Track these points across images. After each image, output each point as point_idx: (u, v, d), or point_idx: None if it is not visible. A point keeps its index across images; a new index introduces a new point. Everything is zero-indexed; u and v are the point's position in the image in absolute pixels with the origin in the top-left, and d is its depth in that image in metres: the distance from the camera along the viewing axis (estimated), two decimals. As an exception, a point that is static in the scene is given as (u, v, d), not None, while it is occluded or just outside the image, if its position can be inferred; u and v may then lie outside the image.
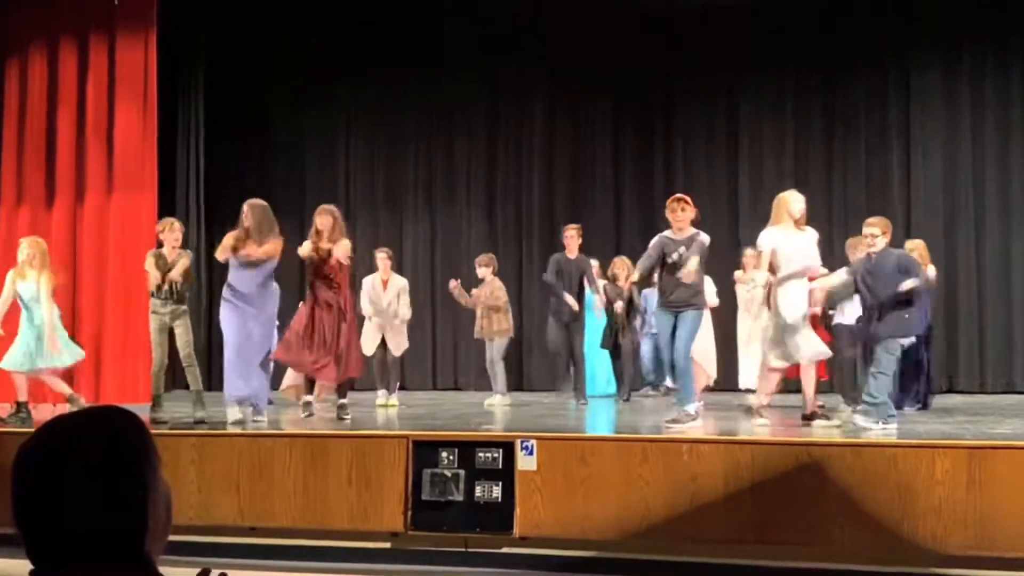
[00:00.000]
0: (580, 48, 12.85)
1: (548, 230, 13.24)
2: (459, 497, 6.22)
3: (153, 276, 8.14)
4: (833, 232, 11.46)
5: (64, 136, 11.17)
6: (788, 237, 7.60)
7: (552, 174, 13.49)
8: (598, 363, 11.08)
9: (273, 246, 7.83)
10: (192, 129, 13.36)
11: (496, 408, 9.68)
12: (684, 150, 13.11)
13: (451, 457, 6.32)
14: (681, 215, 7.56)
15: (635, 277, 8.35)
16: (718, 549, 5.89)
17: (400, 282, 10.41)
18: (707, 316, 9.76)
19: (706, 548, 5.91)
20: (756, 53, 12.56)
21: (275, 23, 13.30)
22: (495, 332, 10.28)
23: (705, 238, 7.55)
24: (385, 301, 10.20)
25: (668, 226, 7.73)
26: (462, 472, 6.26)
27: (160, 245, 8.42)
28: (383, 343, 10.23)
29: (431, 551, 6.27)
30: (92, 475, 1.55)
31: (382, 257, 10.38)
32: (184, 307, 8.25)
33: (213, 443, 6.82)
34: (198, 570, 1.86)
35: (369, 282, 10.32)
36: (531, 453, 6.22)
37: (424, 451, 6.39)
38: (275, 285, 8.11)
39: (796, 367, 7.76)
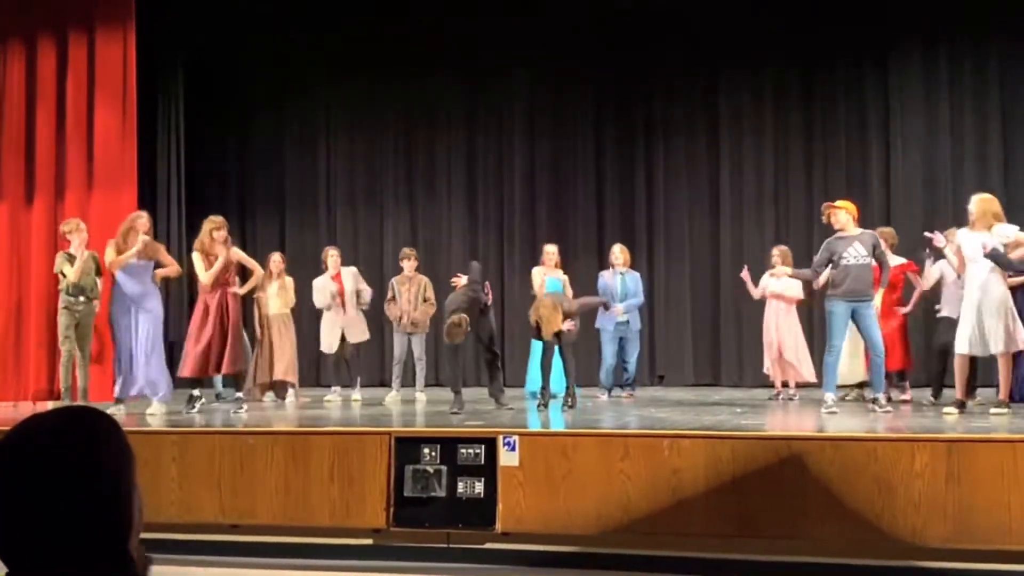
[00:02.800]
0: (561, 43, 12.86)
1: (530, 224, 13.27)
2: (441, 493, 6.23)
3: (68, 276, 8.85)
4: (813, 226, 11.54)
5: (43, 133, 11.10)
6: (970, 236, 8.03)
7: (534, 169, 13.50)
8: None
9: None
10: (172, 125, 13.31)
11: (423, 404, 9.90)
12: (665, 144, 13.14)
13: (433, 453, 6.32)
14: (835, 220, 8.31)
15: (819, 282, 8.92)
16: (699, 543, 5.91)
17: (351, 271, 10.77)
18: (795, 314, 10.01)
19: (687, 542, 5.93)
20: (736, 48, 12.60)
21: (254, 18, 13.25)
22: (421, 327, 10.47)
23: (871, 234, 8.36)
24: (348, 293, 10.52)
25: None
26: (444, 468, 6.26)
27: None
28: (342, 339, 10.49)
29: (413, 547, 6.27)
30: (75, 475, 1.54)
31: (333, 255, 10.74)
32: (92, 306, 8.97)
33: (194, 440, 6.80)
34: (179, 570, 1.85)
35: (320, 282, 10.65)
36: (513, 449, 6.23)
37: (406, 447, 6.39)
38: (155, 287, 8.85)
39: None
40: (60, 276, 8.95)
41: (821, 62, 12.62)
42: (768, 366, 10.29)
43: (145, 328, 8.60)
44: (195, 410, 8.53)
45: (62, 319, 8.78)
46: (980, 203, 8.01)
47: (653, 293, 12.75)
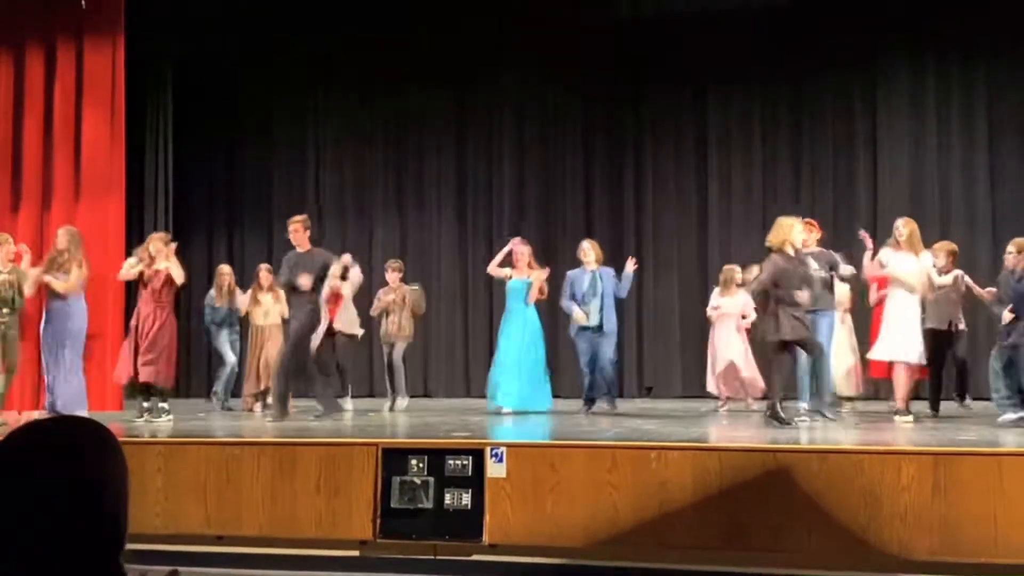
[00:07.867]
0: (549, 55, 12.88)
1: (518, 235, 13.24)
2: (428, 505, 6.21)
3: None
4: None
5: (31, 142, 11.06)
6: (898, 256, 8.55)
7: (523, 180, 13.51)
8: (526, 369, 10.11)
9: (73, 282, 9.01)
10: (160, 134, 13.29)
11: (402, 411, 10.04)
12: (654, 158, 13.16)
13: (421, 464, 6.30)
14: (808, 236, 8.62)
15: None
16: (686, 555, 5.91)
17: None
18: (743, 330, 10.24)
19: (674, 555, 5.93)
20: (723, 61, 12.64)
21: (244, 27, 13.24)
22: (401, 336, 10.51)
23: (833, 254, 8.82)
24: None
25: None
26: (432, 479, 6.24)
27: None
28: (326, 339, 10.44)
29: (400, 559, 6.25)
30: (79, 488, 1.53)
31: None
32: (16, 318, 9.05)
33: (180, 451, 6.77)
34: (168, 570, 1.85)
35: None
36: (501, 460, 6.21)
37: (393, 459, 6.37)
38: (82, 303, 9.18)
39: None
40: None
41: (808, 74, 12.67)
42: (711, 381, 10.38)
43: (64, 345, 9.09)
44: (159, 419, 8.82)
45: None
46: (908, 224, 8.64)
47: (642, 305, 12.76)
